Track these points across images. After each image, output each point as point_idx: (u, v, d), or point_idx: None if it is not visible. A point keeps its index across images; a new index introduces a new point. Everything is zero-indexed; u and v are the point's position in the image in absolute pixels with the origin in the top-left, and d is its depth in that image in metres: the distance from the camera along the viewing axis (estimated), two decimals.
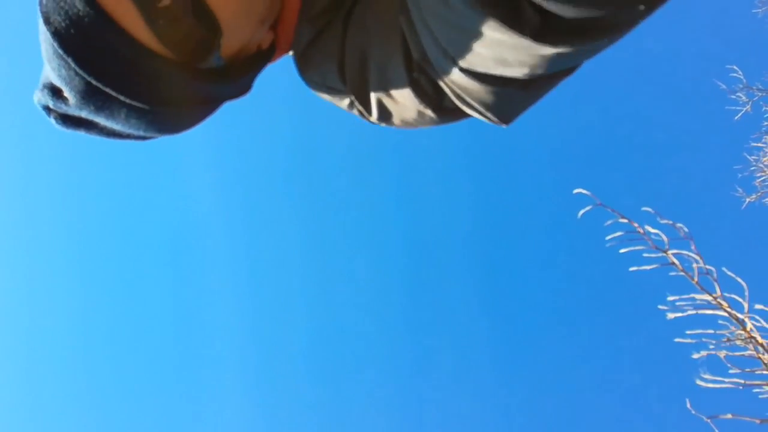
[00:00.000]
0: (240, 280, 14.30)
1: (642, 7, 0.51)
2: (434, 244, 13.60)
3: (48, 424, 13.44)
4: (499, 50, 0.56)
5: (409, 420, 12.44)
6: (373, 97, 0.75)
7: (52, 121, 0.65)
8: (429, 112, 0.72)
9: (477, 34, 0.56)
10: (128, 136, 0.68)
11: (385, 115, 0.77)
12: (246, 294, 14.25)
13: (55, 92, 0.61)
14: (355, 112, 0.81)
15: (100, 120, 0.63)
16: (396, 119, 0.77)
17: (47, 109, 0.64)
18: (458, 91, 0.65)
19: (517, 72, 0.59)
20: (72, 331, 14.21)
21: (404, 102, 0.72)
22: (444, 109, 0.71)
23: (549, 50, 0.54)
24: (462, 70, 0.61)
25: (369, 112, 0.78)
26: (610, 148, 12.42)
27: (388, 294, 13.74)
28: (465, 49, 0.59)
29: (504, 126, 0.71)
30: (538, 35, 0.53)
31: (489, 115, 0.68)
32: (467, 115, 0.72)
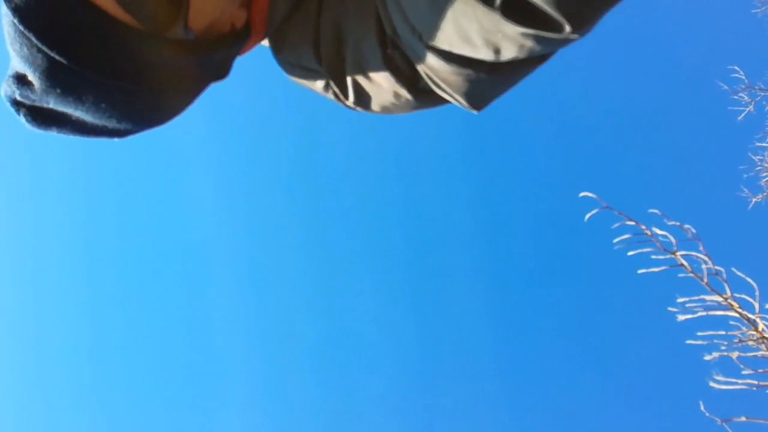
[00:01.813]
0: (244, 284, 14.32)
1: None
2: (441, 249, 13.59)
3: (54, 425, 13.45)
4: (464, 24, 0.56)
5: (413, 422, 12.38)
6: (349, 76, 0.73)
7: (23, 119, 0.61)
8: (405, 93, 0.71)
9: (442, 7, 0.56)
10: (103, 130, 0.64)
11: (361, 97, 0.76)
12: (250, 297, 14.26)
13: (20, 80, 0.58)
14: (330, 95, 0.79)
15: (69, 109, 0.59)
16: (373, 103, 0.76)
17: (15, 103, 0.61)
18: (428, 71, 0.65)
19: (482, 53, 0.59)
20: (76, 333, 14.25)
21: (380, 82, 0.71)
22: (420, 90, 0.70)
23: (515, 29, 0.54)
24: (428, 47, 0.61)
25: (345, 94, 0.76)
26: (615, 150, 12.42)
27: (397, 298, 13.73)
28: (430, 24, 0.59)
29: (475, 112, 0.70)
30: (506, 9, 0.52)
31: (458, 98, 0.67)
32: (444, 100, 0.71)
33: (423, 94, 0.71)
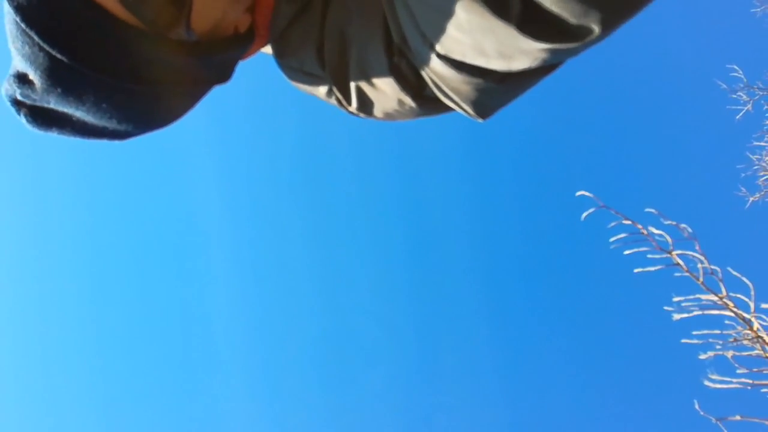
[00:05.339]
0: (243, 283, 14.32)
1: (630, 11, 0.50)
2: (438, 248, 13.61)
3: (53, 424, 13.45)
4: (479, 37, 0.55)
5: (413, 423, 12.41)
6: (353, 83, 0.72)
7: (23, 119, 0.61)
8: (409, 101, 0.70)
9: (457, 18, 0.54)
10: (104, 132, 0.64)
11: (364, 103, 0.74)
12: (249, 297, 14.26)
13: (21, 79, 0.58)
14: (333, 101, 0.78)
15: (70, 109, 0.59)
16: (376, 109, 0.75)
17: (16, 103, 0.60)
18: (435, 80, 0.64)
19: (495, 64, 0.58)
20: (76, 333, 14.23)
21: (384, 89, 0.70)
22: (424, 98, 0.69)
23: (530, 44, 0.52)
24: (439, 56, 0.60)
25: (348, 100, 0.75)
26: (613, 149, 12.43)
27: (394, 297, 13.74)
28: (443, 34, 0.57)
29: (480, 120, 0.69)
30: (522, 24, 0.51)
31: (465, 107, 0.66)
32: (448, 108, 0.70)
33: (427, 102, 0.70)
